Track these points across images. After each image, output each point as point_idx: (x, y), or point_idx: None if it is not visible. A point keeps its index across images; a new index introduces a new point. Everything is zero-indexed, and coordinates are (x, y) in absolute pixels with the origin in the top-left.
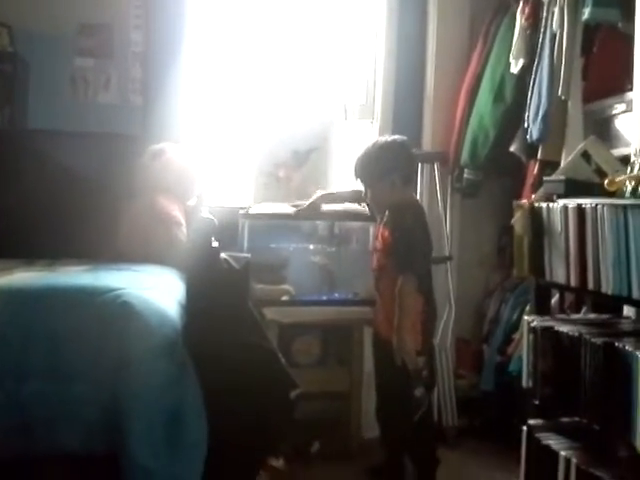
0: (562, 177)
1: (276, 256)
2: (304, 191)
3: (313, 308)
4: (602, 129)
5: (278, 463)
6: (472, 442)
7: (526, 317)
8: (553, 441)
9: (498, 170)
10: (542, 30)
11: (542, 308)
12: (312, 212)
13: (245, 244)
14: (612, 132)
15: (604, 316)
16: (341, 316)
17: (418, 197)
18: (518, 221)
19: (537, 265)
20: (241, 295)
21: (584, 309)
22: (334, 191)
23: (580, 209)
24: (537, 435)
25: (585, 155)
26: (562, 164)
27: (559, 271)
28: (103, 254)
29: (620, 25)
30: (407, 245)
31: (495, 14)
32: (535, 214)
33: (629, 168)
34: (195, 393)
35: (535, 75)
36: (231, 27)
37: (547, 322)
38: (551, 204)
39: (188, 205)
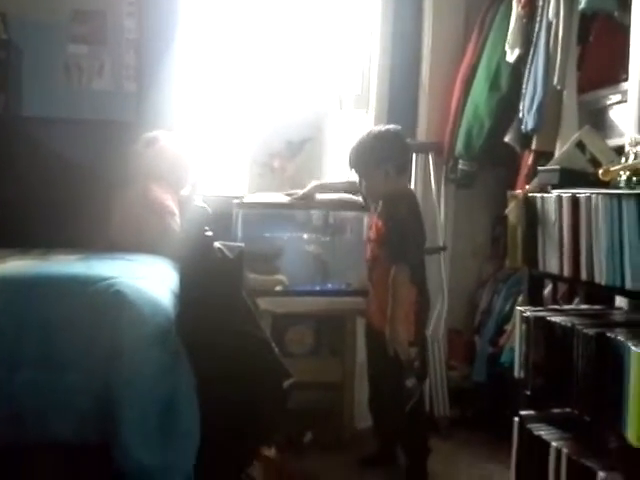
0: (557, 167)
1: (270, 246)
2: (298, 181)
3: (306, 298)
4: (597, 119)
5: (270, 453)
6: (464, 432)
7: (519, 308)
8: (544, 432)
9: (492, 160)
10: (538, 19)
11: (535, 299)
12: (306, 201)
13: (239, 233)
14: (607, 122)
15: (596, 307)
16: (334, 306)
17: (412, 187)
18: (512, 211)
19: (530, 255)
20: (234, 284)
21: (576, 300)
22: (328, 181)
23: (574, 199)
24: (528, 426)
25: (580, 145)
26: (556, 154)
27: (552, 261)
28: (96, 243)
29: (616, 14)
30: (400, 235)
31: (491, 3)
32: (529, 204)
33: (623, 158)
34: (188, 382)
35: (530, 65)
36: (226, 15)
37: (540, 312)
38: (545, 194)
39: (181, 194)
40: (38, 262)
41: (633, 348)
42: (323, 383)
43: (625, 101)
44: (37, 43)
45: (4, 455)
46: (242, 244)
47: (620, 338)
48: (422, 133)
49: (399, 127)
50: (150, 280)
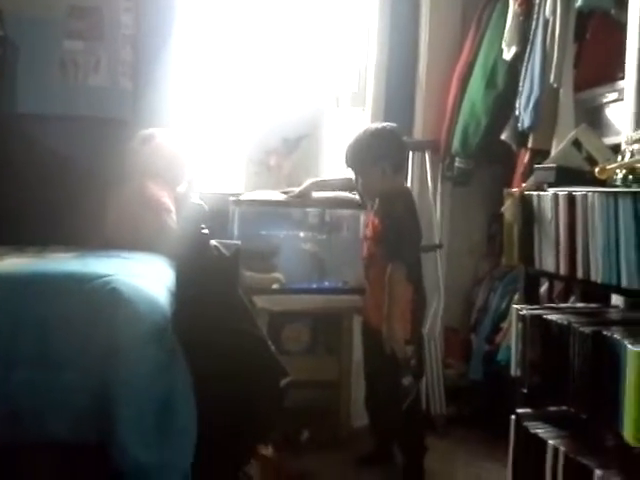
0: (553, 165)
1: (266, 243)
2: (295, 179)
3: (303, 296)
4: (593, 118)
5: (267, 451)
6: (461, 431)
7: (515, 305)
8: (541, 430)
9: (489, 158)
10: (535, 17)
11: (531, 297)
12: (303, 199)
13: (235, 231)
14: (603, 121)
15: (593, 305)
16: (331, 304)
17: (409, 185)
18: (508, 209)
19: (527, 253)
20: (231, 282)
21: (572, 298)
22: (325, 179)
23: (570, 197)
24: (525, 424)
25: (576, 143)
26: (553, 152)
27: (548, 259)
28: (92, 240)
29: (613, 12)
30: (397, 233)
31: (488, 0)
32: (525, 202)
33: (620, 156)
34: (185, 380)
35: (527, 62)
36: (223, 12)
37: (536, 311)
38: (541, 192)
39: (178, 191)
40: (34, 260)
41: (629, 346)
42: (320, 381)
43: (621, 99)
44: (33, 39)
45: (0, 454)
46: (238, 242)
47: (616, 336)
48: (419, 131)
49: (395, 125)
50: (146, 278)
